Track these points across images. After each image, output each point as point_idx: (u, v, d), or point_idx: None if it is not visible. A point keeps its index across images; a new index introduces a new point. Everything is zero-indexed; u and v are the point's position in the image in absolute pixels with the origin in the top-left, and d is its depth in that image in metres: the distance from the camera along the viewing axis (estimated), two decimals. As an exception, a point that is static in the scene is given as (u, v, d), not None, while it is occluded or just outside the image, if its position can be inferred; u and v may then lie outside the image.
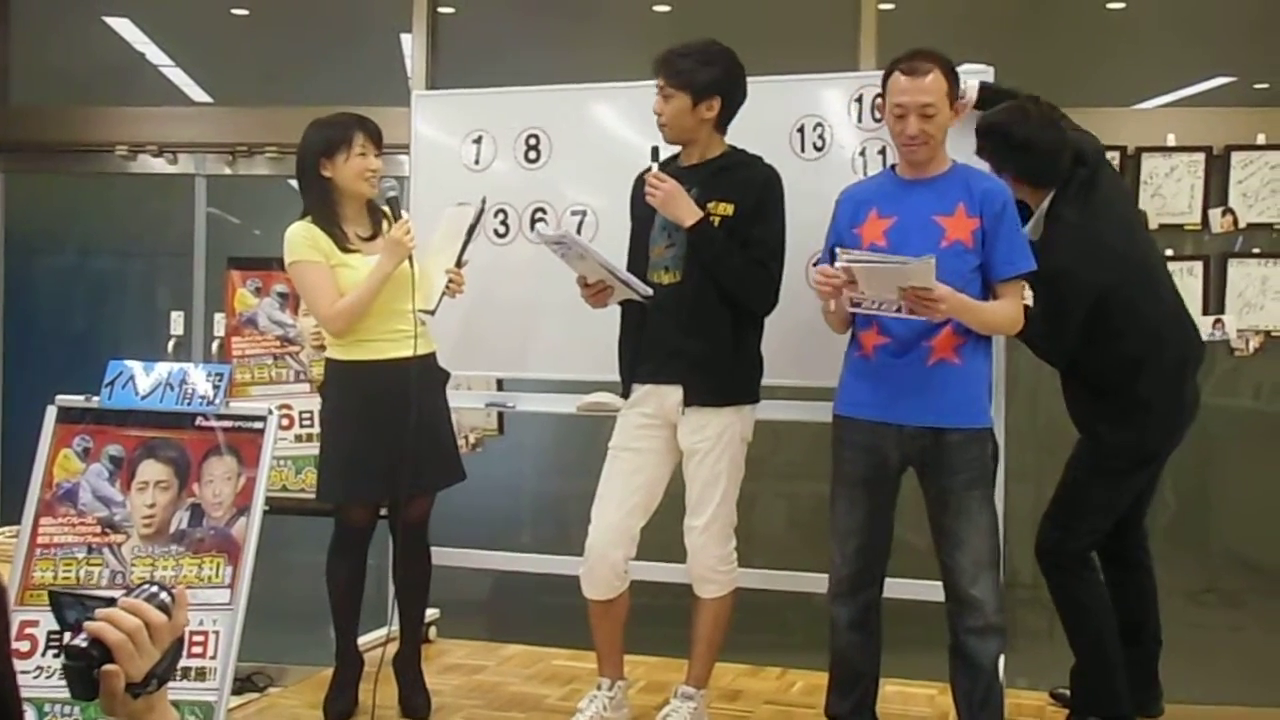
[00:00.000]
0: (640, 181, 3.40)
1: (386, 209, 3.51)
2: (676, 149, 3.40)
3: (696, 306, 3.28)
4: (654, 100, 3.30)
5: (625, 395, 3.46)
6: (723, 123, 3.33)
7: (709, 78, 3.25)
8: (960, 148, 3.31)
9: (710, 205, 3.25)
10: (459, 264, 3.51)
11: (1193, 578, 4.80)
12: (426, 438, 3.49)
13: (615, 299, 3.35)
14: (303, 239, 3.45)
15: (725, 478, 3.33)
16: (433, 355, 3.60)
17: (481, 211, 3.59)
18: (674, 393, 3.32)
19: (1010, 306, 3.13)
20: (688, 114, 3.27)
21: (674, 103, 3.26)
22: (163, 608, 1.38)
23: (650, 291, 3.27)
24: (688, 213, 3.23)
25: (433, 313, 3.49)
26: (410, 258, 3.41)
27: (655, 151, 3.30)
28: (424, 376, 3.50)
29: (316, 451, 4.11)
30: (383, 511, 3.68)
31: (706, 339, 3.29)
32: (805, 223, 3.35)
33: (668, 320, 3.31)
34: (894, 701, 3.65)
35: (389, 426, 3.42)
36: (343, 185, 3.48)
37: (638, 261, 3.40)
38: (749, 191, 3.29)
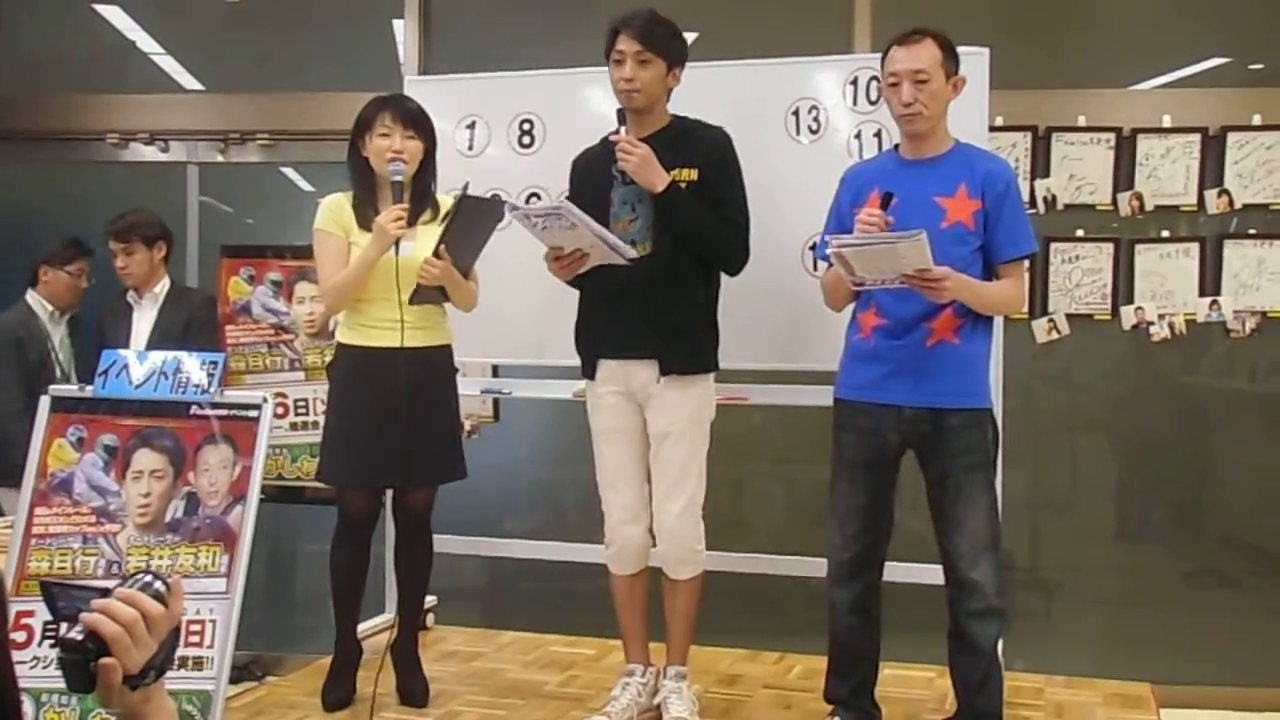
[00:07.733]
0: (584, 160, 3.40)
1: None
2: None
3: (671, 276, 3.26)
4: (622, 67, 3.24)
5: (589, 374, 3.42)
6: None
7: (680, 47, 3.30)
8: (964, 127, 3.29)
9: (674, 172, 3.24)
10: (436, 253, 3.33)
11: (1189, 559, 4.81)
12: (430, 430, 3.47)
13: (588, 266, 3.26)
14: (328, 209, 3.47)
15: (698, 457, 3.35)
16: (446, 348, 3.56)
17: (462, 197, 3.36)
18: (642, 369, 3.30)
19: (1013, 287, 3.13)
20: (661, 81, 3.28)
21: (652, 69, 3.25)
22: (158, 597, 1.36)
23: (635, 254, 3.22)
24: (659, 178, 3.21)
25: (410, 302, 3.37)
26: (397, 244, 3.35)
27: (622, 115, 3.26)
28: (430, 368, 3.48)
29: (311, 439, 4.11)
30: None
31: (682, 307, 3.29)
32: (800, 206, 3.34)
33: (637, 294, 3.27)
34: (893, 685, 3.64)
35: (387, 415, 3.40)
36: (373, 164, 3.46)
37: None
38: (710, 155, 3.29)
